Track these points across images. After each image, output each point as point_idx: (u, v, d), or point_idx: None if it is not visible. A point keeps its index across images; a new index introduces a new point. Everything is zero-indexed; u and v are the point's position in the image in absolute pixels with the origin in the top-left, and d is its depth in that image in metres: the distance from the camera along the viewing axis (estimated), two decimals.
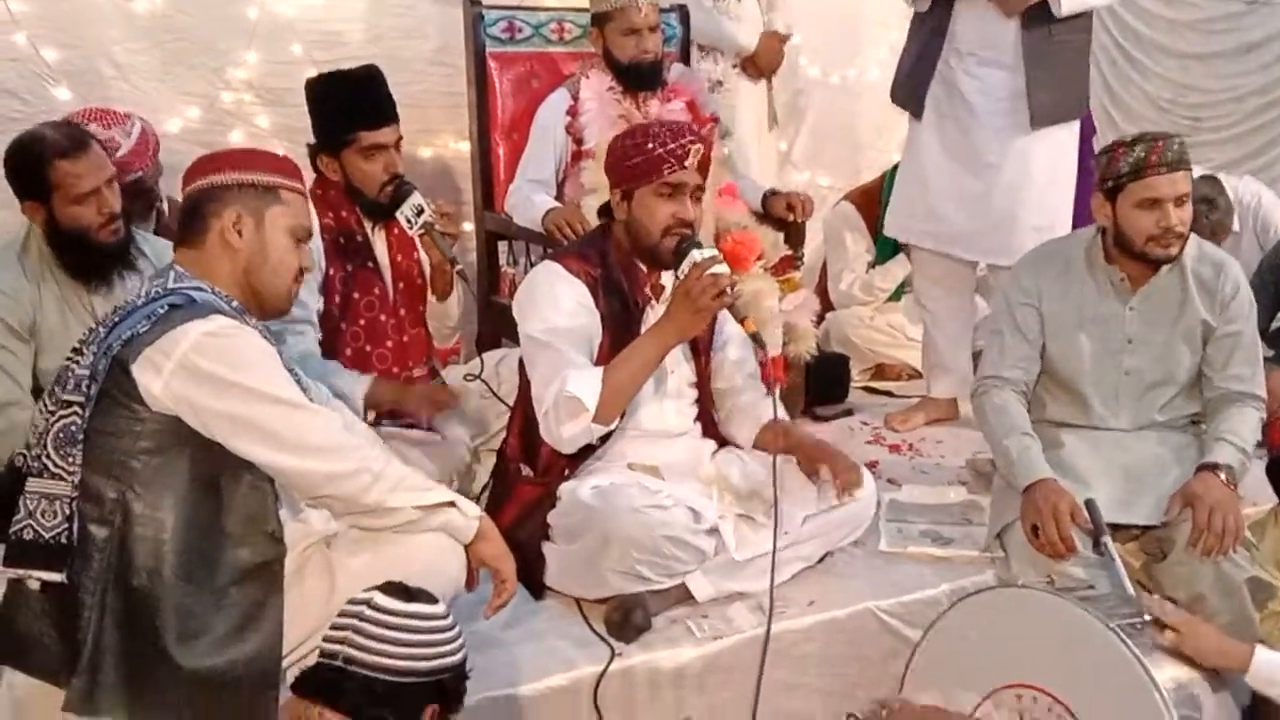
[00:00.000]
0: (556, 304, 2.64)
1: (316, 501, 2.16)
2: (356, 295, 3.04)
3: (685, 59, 4.14)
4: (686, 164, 2.61)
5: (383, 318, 3.08)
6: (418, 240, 3.08)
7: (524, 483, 2.75)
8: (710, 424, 2.91)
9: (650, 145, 2.62)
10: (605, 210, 2.78)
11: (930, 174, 3.75)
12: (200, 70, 3.98)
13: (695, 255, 2.54)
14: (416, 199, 2.98)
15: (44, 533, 2.02)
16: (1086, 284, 2.95)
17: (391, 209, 2.98)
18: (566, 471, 2.69)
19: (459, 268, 3.07)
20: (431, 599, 1.88)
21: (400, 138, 3.05)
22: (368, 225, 3.08)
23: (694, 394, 2.86)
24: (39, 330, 2.88)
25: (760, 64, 4.51)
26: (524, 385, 2.73)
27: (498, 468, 2.90)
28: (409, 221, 2.98)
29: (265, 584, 2.10)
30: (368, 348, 3.06)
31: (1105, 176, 2.84)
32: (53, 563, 2.00)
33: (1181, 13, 5.84)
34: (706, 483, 2.80)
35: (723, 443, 2.93)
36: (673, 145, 2.61)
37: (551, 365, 2.58)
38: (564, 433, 2.56)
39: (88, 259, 2.87)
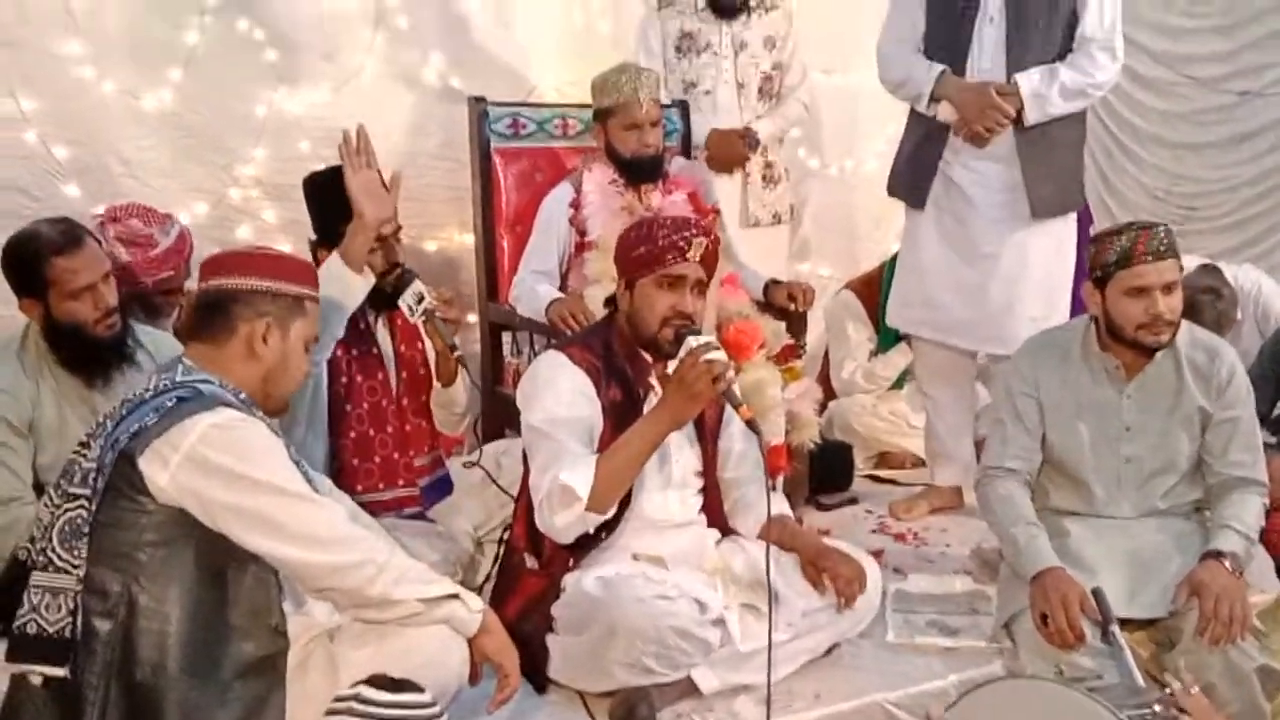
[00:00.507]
0: (557, 394, 2.65)
1: (320, 594, 2.15)
2: (360, 379, 3.06)
3: (686, 152, 4.19)
4: (689, 256, 2.64)
5: (384, 403, 3.09)
6: (420, 328, 3.11)
7: (528, 574, 2.73)
8: (716, 512, 2.90)
9: (655, 237, 2.66)
10: (611, 301, 2.82)
11: (928, 264, 3.78)
12: (209, 167, 4.05)
13: (691, 341, 2.54)
14: (418, 286, 3.01)
15: (48, 627, 2.01)
16: (1083, 372, 2.97)
17: (393, 297, 3.01)
18: (571, 562, 2.68)
19: (459, 354, 3.09)
20: (418, 688, 1.88)
21: (399, 228, 3.07)
22: (370, 314, 3.10)
23: (699, 483, 2.85)
24: (37, 427, 2.89)
25: (715, 158, 4.33)
26: (528, 475, 2.73)
27: (503, 558, 2.89)
28: (410, 309, 3.00)
29: (268, 678, 2.09)
30: (370, 431, 3.07)
31: (1094, 265, 2.87)
32: (56, 657, 2.00)
33: (1174, 104, 5.94)
34: (711, 573, 2.78)
35: (727, 531, 2.92)
36: (675, 238, 2.64)
37: (549, 454, 2.58)
38: (558, 522, 2.56)
39: (85, 354, 2.89)
